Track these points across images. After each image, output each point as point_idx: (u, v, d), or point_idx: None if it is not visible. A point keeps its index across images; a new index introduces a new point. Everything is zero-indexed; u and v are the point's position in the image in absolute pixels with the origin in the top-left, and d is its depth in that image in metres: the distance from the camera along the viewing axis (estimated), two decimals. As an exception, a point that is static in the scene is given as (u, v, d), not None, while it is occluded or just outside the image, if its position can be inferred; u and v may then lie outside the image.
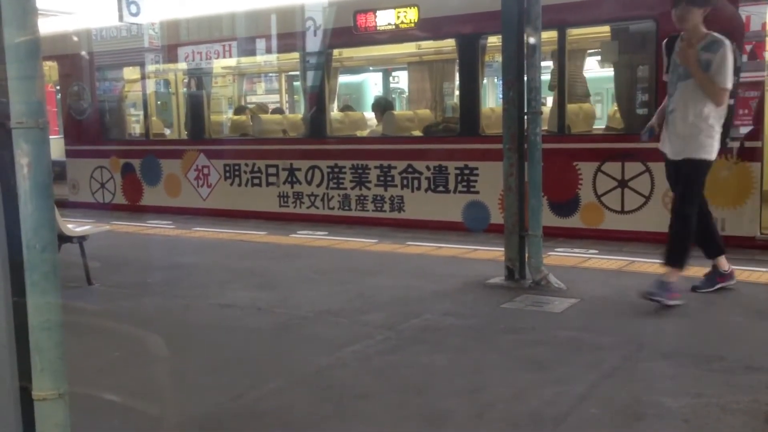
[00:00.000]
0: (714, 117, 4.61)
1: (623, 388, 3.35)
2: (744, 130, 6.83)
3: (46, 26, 10.53)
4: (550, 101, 8.93)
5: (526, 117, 5.36)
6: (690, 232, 4.71)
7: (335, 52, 9.36)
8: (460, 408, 3.19)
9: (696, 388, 3.31)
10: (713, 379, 3.42)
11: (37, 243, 2.17)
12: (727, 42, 4.60)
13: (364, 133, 10.06)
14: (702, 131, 4.62)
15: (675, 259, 4.70)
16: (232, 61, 10.73)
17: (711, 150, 4.66)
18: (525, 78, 5.36)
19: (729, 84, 4.54)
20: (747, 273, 5.51)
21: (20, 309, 2.23)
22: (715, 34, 4.65)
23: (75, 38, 10.98)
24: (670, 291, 4.61)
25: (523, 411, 3.14)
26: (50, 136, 2.27)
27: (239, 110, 11.56)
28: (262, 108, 12.04)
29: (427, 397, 3.34)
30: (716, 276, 4.99)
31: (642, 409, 3.09)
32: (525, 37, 5.29)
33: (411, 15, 8.22)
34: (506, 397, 3.29)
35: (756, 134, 6.60)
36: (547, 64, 8.95)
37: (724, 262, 4.99)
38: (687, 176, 4.74)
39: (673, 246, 4.74)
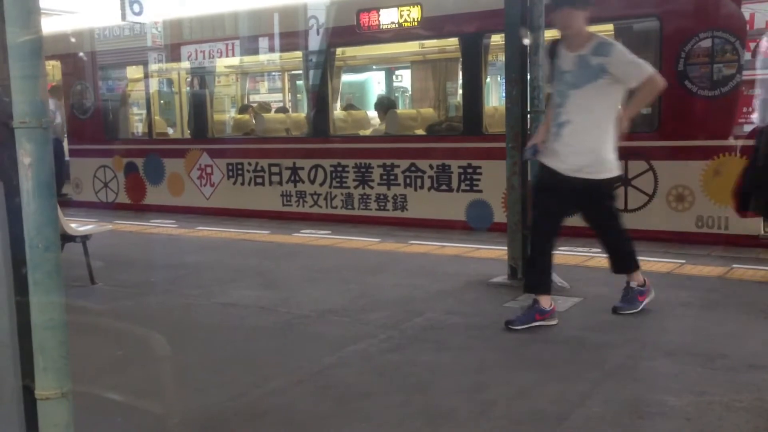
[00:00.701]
0: (613, 126, 4.25)
1: (626, 387, 3.34)
2: (748, 128, 6.82)
3: (49, 26, 10.56)
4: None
5: (529, 116, 5.36)
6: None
7: (338, 50, 9.36)
8: (463, 406, 3.19)
9: (699, 386, 3.30)
10: (716, 377, 3.42)
11: (40, 242, 2.17)
12: (614, 41, 4.41)
13: (367, 132, 10.06)
14: (606, 143, 4.24)
15: (540, 282, 4.42)
16: (234, 60, 10.73)
17: (616, 162, 4.33)
18: (528, 76, 5.36)
19: (649, 66, 4.19)
20: (751, 272, 5.50)
21: (23, 308, 2.24)
22: (600, 35, 4.37)
23: (78, 37, 10.99)
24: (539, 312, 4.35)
25: (526, 409, 3.14)
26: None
27: (243, 109, 11.57)
28: (264, 107, 12.05)
29: (430, 395, 3.34)
30: (636, 294, 4.60)
31: (645, 408, 3.09)
32: (528, 36, 5.29)
33: (414, 14, 8.22)
34: (509, 396, 3.29)
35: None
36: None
37: (639, 276, 4.63)
38: (608, 195, 4.58)
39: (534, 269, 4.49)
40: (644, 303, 4.58)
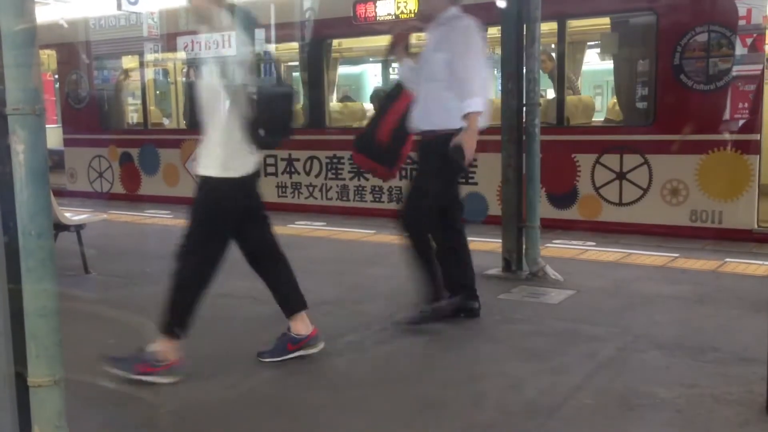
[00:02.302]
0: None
1: (618, 379, 3.36)
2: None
3: (44, 14, 10.51)
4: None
5: (524, 108, 5.36)
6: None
7: (334, 42, 9.34)
8: (456, 397, 3.21)
9: (690, 378, 3.32)
10: (707, 370, 3.44)
11: (33, 229, 2.17)
12: None
13: (363, 123, 10.04)
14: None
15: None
16: (231, 51, 10.68)
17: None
18: (524, 69, 5.35)
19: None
20: (743, 266, 5.53)
21: (16, 295, 2.24)
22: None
23: (73, 27, 10.94)
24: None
25: (519, 400, 3.15)
26: (48, 125, 2.27)
27: None
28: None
29: (423, 386, 3.36)
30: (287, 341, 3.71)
31: (635, 400, 3.10)
32: (524, 29, 5.29)
33: (411, 5, 8.20)
34: (502, 387, 3.31)
35: (752, 127, 6.60)
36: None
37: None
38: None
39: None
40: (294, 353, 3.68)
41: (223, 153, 3.38)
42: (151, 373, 3.38)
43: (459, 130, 3.90)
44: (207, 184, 3.43)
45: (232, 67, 3.35)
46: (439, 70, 4.00)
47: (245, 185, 3.49)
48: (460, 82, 3.89)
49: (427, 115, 4.10)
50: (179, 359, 3.44)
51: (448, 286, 4.26)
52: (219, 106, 3.38)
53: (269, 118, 3.33)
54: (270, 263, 3.72)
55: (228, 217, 3.51)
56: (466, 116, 3.85)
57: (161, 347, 3.41)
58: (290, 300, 3.70)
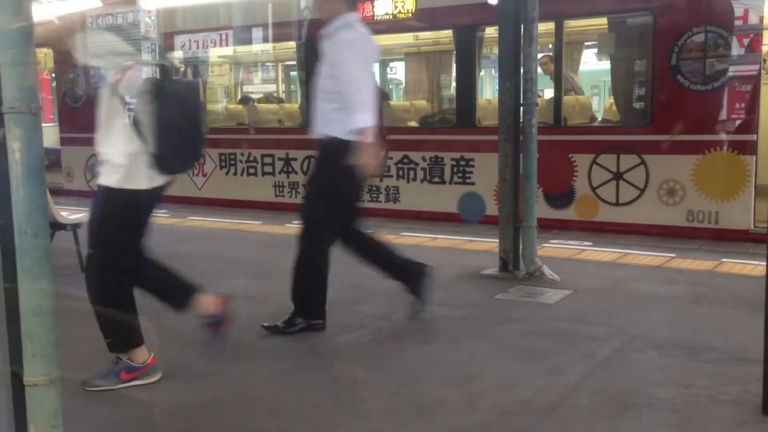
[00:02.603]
0: None
1: (614, 379, 3.36)
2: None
3: (41, 13, 10.48)
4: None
5: (522, 108, 5.36)
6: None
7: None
8: (452, 397, 3.20)
9: (686, 378, 3.33)
10: (704, 370, 3.44)
11: (29, 228, 2.17)
12: None
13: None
14: None
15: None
16: (228, 51, 10.68)
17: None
18: (521, 69, 5.36)
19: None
20: (740, 266, 5.54)
21: (12, 295, 2.23)
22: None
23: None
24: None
25: (515, 400, 3.15)
26: (45, 124, 2.27)
27: (244, 100, 11.48)
28: (269, 99, 11.95)
29: (420, 386, 3.36)
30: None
31: (632, 400, 3.11)
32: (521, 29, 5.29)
33: (408, 5, 8.20)
34: (498, 387, 3.31)
35: (748, 127, 6.61)
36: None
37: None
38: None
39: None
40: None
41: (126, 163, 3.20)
42: (136, 378, 3.36)
43: (346, 141, 3.85)
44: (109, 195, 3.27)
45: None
46: (323, 82, 3.98)
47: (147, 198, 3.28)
48: (345, 97, 3.84)
49: (315, 122, 4.07)
50: (153, 358, 3.41)
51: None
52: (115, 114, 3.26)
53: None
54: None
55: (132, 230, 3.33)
56: (357, 131, 3.79)
57: (131, 354, 3.36)
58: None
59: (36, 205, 2.17)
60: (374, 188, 8.58)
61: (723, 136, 6.67)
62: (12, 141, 2.13)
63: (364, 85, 3.87)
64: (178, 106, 3.18)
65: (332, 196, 4.04)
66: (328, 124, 3.96)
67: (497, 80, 5.56)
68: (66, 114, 11.34)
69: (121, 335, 3.35)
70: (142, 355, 3.38)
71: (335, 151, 3.91)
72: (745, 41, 6.59)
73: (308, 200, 4.20)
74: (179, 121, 3.18)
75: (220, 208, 9.37)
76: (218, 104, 12.13)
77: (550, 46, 8.16)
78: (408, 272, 4.36)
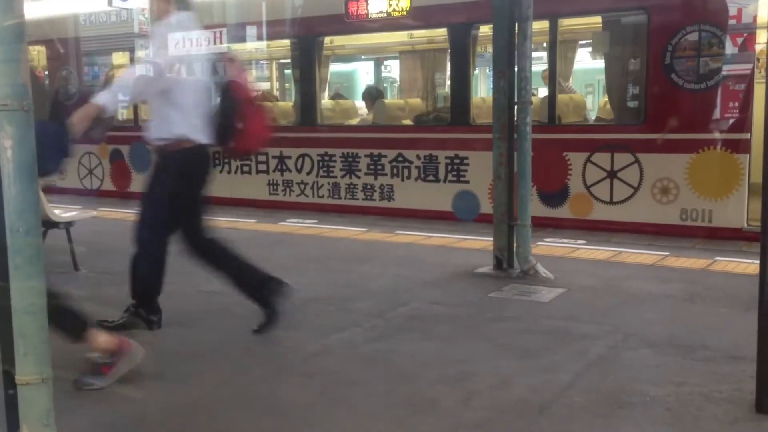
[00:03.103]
0: None
1: (608, 377, 3.37)
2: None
3: (33, 10, 10.43)
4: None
5: (516, 106, 5.36)
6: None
7: (326, 39, 9.31)
8: (447, 395, 3.20)
9: (679, 376, 3.34)
10: (697, 368, 3.45)
11: (21, 226, 2.15)
12: None
13: (355, 121, 10.04)
14: None
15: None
16: (222, 48, 10.64)
17: None
18: (516, 68, 5.36)
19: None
20: (733, 264, 5.55)
21: (4, 293, 2.22)
22: None
23: (64, 23, 10.87)
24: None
25: (509, 398, 3.15)
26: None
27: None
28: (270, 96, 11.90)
29: (414, 384, 3.35)
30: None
31: (625, 398, 3.11)
32: (516, 27, 5.29)
33: (403, 3, 8.19)
34: (492, 385, 3.31)
35: (742, 126, 6.62)
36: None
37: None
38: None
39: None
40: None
41: None
42: (118, 366, 3.29)
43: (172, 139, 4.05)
44: None
45: None
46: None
47: None
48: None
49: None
50: (126, 341, 3.32)
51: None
52: None
53: None
54: None
55: None
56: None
57: (97, 345, 3.26)
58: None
59: (28, 204, 2.16)
60: (369, 186, 8.57)
61: (717, 135, 6.68)
62: (4, 138, 2.12)
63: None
64: None
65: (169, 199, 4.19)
66: (165, 125, 4.17)
67: (492, 78, 5.54)
68: (59, 111, 11.27)
69: (66, 323, 3.14)
70: (102, 339, 3.24)
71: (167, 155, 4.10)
72: (739, 40, 6.60)
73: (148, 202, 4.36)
74: None
75: (214, 206, 9.31)
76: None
77: (545, 44, 8.17)
78: (261, 285, 4.13)
